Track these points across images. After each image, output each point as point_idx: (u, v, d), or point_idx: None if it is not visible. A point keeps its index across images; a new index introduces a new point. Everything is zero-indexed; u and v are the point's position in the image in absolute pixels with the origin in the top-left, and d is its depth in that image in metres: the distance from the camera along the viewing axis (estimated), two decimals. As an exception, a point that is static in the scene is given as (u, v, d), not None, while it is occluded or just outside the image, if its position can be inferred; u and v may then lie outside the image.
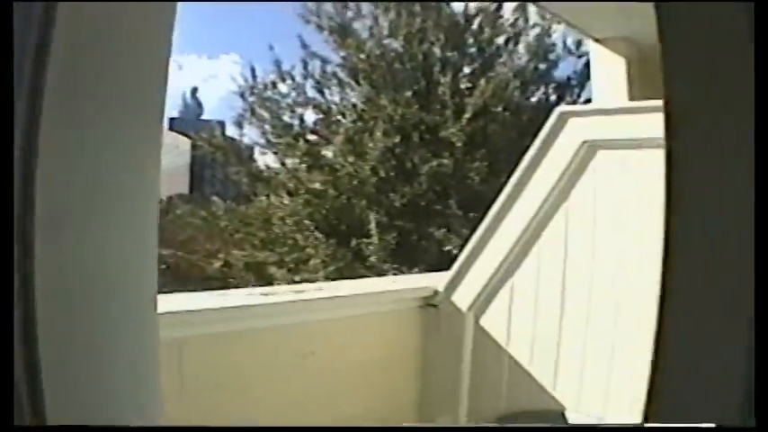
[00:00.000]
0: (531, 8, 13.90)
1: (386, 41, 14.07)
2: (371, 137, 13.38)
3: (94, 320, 1.66)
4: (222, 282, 13.96)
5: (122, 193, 1.70)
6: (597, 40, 5.56)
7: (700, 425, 1.31)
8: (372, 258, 13.01)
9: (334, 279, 12.26)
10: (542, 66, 14.58)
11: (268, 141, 14.59)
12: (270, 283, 12.79)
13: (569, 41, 14.40)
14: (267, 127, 14.51)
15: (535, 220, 4.50)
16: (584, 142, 4.39)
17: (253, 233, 14.26)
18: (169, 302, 3.76)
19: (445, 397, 4.71)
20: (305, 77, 14.49)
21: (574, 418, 4.35)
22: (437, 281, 4.88)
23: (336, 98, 14.46)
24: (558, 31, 14.28)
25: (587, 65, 11.54)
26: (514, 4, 14.32)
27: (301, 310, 4.20)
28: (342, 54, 14.21)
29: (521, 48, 14.50)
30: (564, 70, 14.78)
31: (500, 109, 13.48)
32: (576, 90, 14.62)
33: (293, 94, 14.56)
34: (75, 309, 1.61)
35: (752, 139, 1.27)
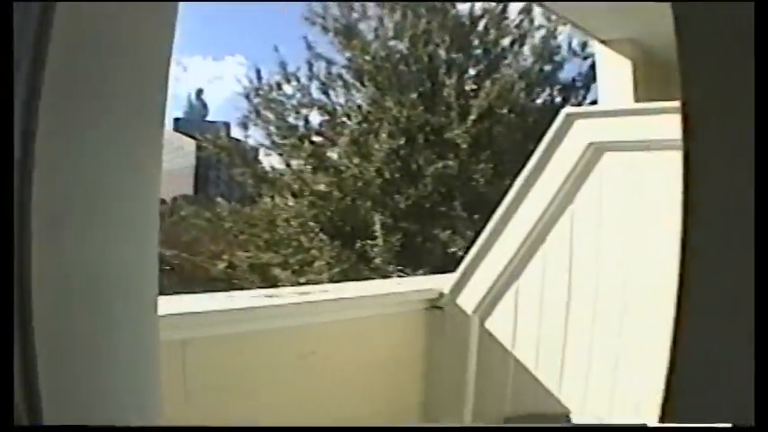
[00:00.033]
0: (537, 10, 13.90)
1: (391, 43, 14.07)
2: (376, 138, 13.37)
3: (95, 321, 1.65)
4: (226, 283, 13.94)
5: (123, 194, 1.69)
6: (603, 42, 5.56)
7: (700, 425, 1.31)
8: (377, 260, 12.99)
9: (338, 281, 12.24)
10: (548, 67, 14.56)
11: (273, 143, 14.59)
12: (274, 285, 12.77)
13: (575, 43, 14.39)
14: (272, 128, 14.51)
15: (541, 223, 4.48)
16: (591, 144, 4.37)
17: (257, 234, 14.25)
18: (173, 304, 3.75)
19: (450, 399, 4.70)
20: (310, 79, 14.49)
21: (579, 420, 4.33)
22: (442, 283, 4.86)
23: (341, 99, 14.46)
24: (563, 33, 14.28)
25: (593, 67, 11.52)
26: (520, 6, 14.31)
27: (306, 312, 4.18)
28: (347, 55, 14.21)
29: (526, 49, 14.49)
30: (569, 72, 14.78)
31: (505, 111, 13.47)
32: (582, 92, 14.59)
33: (298, 95, 14.56)
34: (75, 309, 1.60)
35: None
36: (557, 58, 14.59)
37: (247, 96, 14.73)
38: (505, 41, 14.42)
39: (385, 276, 12.34)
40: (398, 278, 11.38)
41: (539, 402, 4.48)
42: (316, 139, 14.42)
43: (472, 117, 13.27)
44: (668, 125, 4.15)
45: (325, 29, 14.11)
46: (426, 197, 13.39)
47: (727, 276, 1.34)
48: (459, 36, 13.99)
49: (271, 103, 14.56)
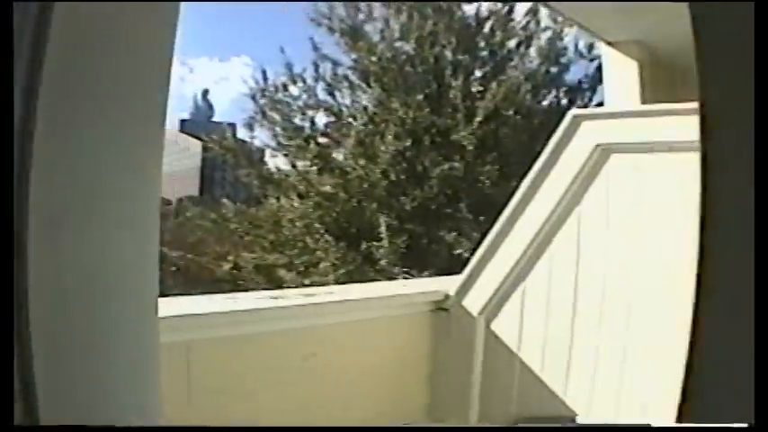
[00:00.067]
0: (543, 11, 13.90)
1: (397, 44, 14.07)
2: (382, 140, 13.37)
3: (94, 322, 1.64)
4: (232, 284, 13.95)
5: (123, 194, 1.68)
6: (610, 44, 5.55)
7: (702, 425, 1.31)
8: (382, 262, 12.99)
9: (344, 282, 12.25)
10: (554, 69, 14.55)
11: (279, 144, 14.59)
12: (279, 286, 12.77)
13: (581, 45, 14.38)
14: (278, 129, 14.51)
15: (548, 224, 4.47)
16: (598, 146, 4.36)
17: (263, 236, 14.25)
18: (178, 306, 3.75)
19: (455, 401, 4.68)
20: (316, 80, 14.51)
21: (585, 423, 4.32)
22: (448, 285, 4.85)
23: (347, 101, 14.46)
24: (569, 35, 14.27)
25: (599, 68, 11.50)
26: (526, 7, 14.31)
27: (311, 314, 4.17)
28: (353, 57, 14.21)
29: (532, 51, 14.49)
30: (575, 74, 14.77)
31: (511, 112, 13.46)
32: (588, 94, 14.59)
33: (304, 96, 14.57)
34: (74, 310, 1.60)
35: None
36: (563, 60, 14.58)
37: (253, 97, 14.75)
38: (512, 43, 14.42)
39: (390, 278, 12.33)
40: (404, 280, 11.37)
41: (545, 405, 4.47)
42: (321, 140, 14.43)
43: (478, 119, 13.27)
44: (675, 127, 4.14)
45: (331, 30, 14.12)
46: (432, 199, 13.38)
47: (744, 277, 1.33)
48: (465, 38, 13.99)
49: (277, 104, 14.57)
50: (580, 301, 4.38)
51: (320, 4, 14.13)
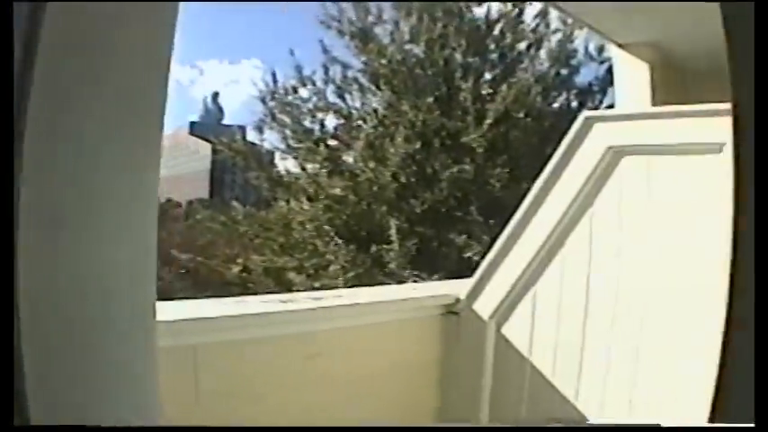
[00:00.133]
0: (553, 14, 13.89)
1: (407, 47, 14.07)
2: (392, 142, 13.37)
3: (89, 325, 1.63)
4: (241, 287, 13.98)
5: (119, 197, 1.67)
6: (620, 46, 5.52)
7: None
8: (392, 265, 12.98)
9: (353, 285, 12.24)
10: (564, 71, 14.54)
11: (288, 146, 14.61)
12: (289, 289, 12.78)
13: (591, 47, 14.38)
14: (288, 132, 14.53)
15: (559, 227, 4.44)
16: (610, 148, 4.32)
17: (272, 238, 14.26)
18: (187, 309, 3.73)
19: (466, 406, 4.65)
20: (326, 82, 14.51)
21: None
22: (458, 288, 4.82)
23: (357, 103, 14.47)
24: (579, 37, 14.27)
25: (609, 70, 11.51)
26: (536, 9, 14.30)
27: (319, 318, 4.15)
28: (363, 59, 14.22)
29: (542, 53, 14.49)
30: (585, 76, 14.77)
31: (521, 115, 13.46)
32: (598, 96, 14.58)
33: (314, 99, 14.58)
34: (69, 313, 1.58)
35: None
36: (573, 62, 14.58)
37: (263, 100, 14.78)
38: (522, 45, 14.42)
39: (400, 281, 12.33)
40: (414, 283, 11.35)
41: (556, 409, 4.43)
42: (331, 142, 14.44)
43: (488, 121, 13.27)
44: (688, 129, 4.11)
45: (340, 32, 14.14)
46: (442, 201, 13.37)
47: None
48: (475, 40, 13.99)
49: (286, 106, 14.59)
50: (592, 304, 4.35)
51: (329, 6, 14.15)
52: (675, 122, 4.17)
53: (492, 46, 14.32)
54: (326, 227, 13.58)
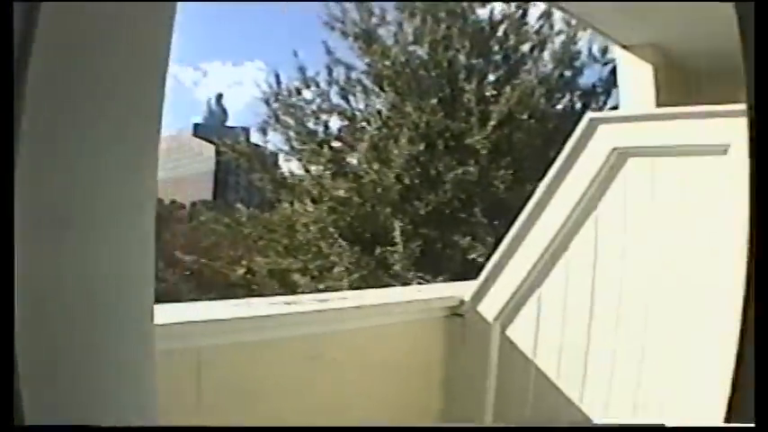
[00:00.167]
0: (557, 15, 13.89)
1: (411, 48, 14.06)
2: (396, 144, 13.37)
3: (85, 329, 1.62)
4: (246, 289, 13.98)
5: (116, 198, 1.66)
6: (624, 47, 5.52)
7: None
8: (396, 266, 12.98)
9: (357, 287, 12.24)
10: (568, 73, 14.55)
11: (292, 148, 14.61)
12: (293, 291, 12.79)
13: (595, 49, 14.40)
14: (291, 133, 14.53)
15: (564, 229, 4.43)
16: (615, 149, 4.32)
17: (276, 240, 14.26)
18: (190, 312, 3.73)
19: (470, 408, 4.65)
20: (329, 84, 14.51)
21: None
22: (463, 290, 4.82)
23: (361, 105, 14.47)
24: (583, 39, 14.28)
25: (613, 72, 11.51)
26: (539, 11, 14.30)
27: (324, 320, 4.14)
28: (366, 61, 14.21)
29: (546, 55, 14.48)
30: (589, 77, 14.77)
31: (525, 116, 13.45)
32: (602, 97, 14.58)
33: (318, 100, 14.57)
34: (67, 314, 1.57)
35: None
36: (577, 64, 14.58)
37: (267, 101, 14.78)
38: (525, 47, 14.43)
39: (404, 283, 12.32)
40: (418, 285, 11.34)
41: (560, 411, 4.43)
42: (335, 144, 14.43)
43: (492, 123, 13.26)
44: (693, 130, 4.10)
45: (344, 34, 14.13)
46: (446, 203, 13.37)
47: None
48: (478, 41, 13.98)
49: (290, 108, 14.59)
50: (597, 306, 4.35)
51: (333, 7, 14.15)
52: (680, 124, 4.17)
53: (495, 47, 14.32)
54: (331, 228, 13.58)
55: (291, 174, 14.79)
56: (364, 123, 14.23)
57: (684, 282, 4.01)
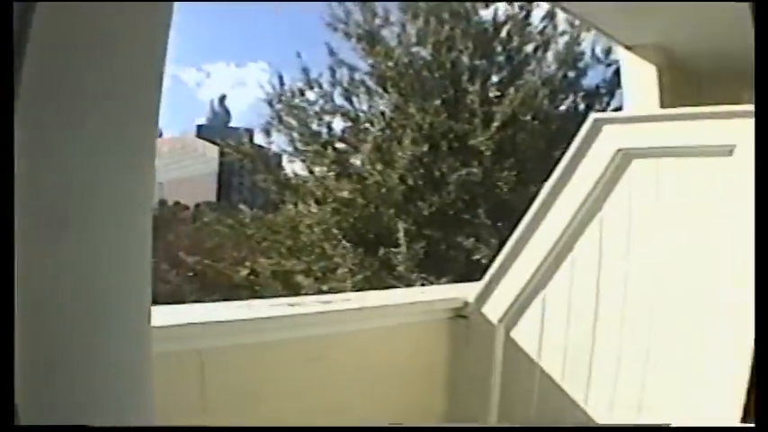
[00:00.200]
0: (560, 16, 13.89)
1: (414, 49, 14.07)
2: (400, 145, 13.36)
3: (86, 327, 1.61)
4: (249, 290, 13.98)
5: (112, 199, 1.66)
6: (628, 48, 5.51)
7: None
8: (400, 268, 12.96)
9: (361, 288, 12.23)
10: (571, 74, 14.53)
11: (296, 149, 14.61)
12: (297, 292, 12.79)
13: (598, 49, 14.38)
14: (295, 135, 14.53)
15: (568, 230, 4.41)
16: (619, 150, 4.30)
17: (280, 241, 14.26)
18: (193, 313, 3.72)
19: (474, 410, 4.63)
20: (333, 85, 14.51)
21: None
22: (467, 291, 4.80)
23: (364, 106, 14.47)
24: (586, 40, 14.26)
25: (616, 73, 11.50)
26: (543, 12, 14.30)
27: (327, 322, 4.13)
28: (370, 62, 14.21)
29: (549, 56, 14.48)
30: (593, 78, 14.76)
31: (529, 117, 13.44)
32: (606, 98, 14.56)
33: (321, 101, 14.58)
34: (66, 314, 1.57)
35: None
36: (580, 65, 14.58)
37: (270, 103, 14.78)
38: (529, 48, 14.43)
39: (408, 284, 12.31)
40: (422, 286, 11.33)
41: (565, 412, 4.41)
42: (339, 145, 14.43)
43: (496, 124, 13.26)
44: (697, 131, 4.09)
45: (347, 35, 14.13)
46: (450, 204, 13.36)
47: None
48: (482, 42, 13.98)
49: (293, 109, 14.59)
50: (602, 307, 4.33)
51: (336, 8, 14.16)
52: (685, 124, 4.16)
53: (499, 48, 14.32)
54: (334, 230, 13.57)
55: (295, 175, 14.80)
56: (368, 124, 14.24)
57: (689, 283, 3.99)
